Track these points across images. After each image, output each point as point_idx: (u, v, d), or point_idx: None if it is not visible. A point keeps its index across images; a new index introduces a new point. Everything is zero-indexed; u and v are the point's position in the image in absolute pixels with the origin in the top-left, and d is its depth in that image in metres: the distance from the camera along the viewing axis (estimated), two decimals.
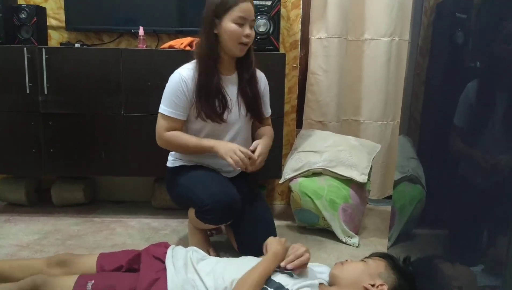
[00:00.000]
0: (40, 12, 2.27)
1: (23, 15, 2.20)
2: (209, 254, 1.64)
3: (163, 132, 1.66)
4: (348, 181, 2.03)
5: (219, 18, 1.59)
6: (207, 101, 1.63)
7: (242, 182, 1.80)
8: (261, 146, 1.66)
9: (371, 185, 2.50)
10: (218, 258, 1.40)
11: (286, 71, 2.32)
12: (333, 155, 2.07)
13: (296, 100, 2.53)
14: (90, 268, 1.36)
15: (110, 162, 2.19)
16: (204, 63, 1.63)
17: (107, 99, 2.13)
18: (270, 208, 1.87)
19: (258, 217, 1.74)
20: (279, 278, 1.20)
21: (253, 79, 1.75)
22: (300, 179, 2.08)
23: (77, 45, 2.31)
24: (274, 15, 2.17)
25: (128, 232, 2.07)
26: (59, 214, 2.28)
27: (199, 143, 1.65)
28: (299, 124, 2.56)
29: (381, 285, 1.20)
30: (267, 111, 1.87)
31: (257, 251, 1.40)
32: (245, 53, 1.66)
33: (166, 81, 2.08)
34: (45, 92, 2.11)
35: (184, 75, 1.64)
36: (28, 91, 2.10)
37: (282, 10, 2.41)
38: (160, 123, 1.67)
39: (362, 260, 1.31)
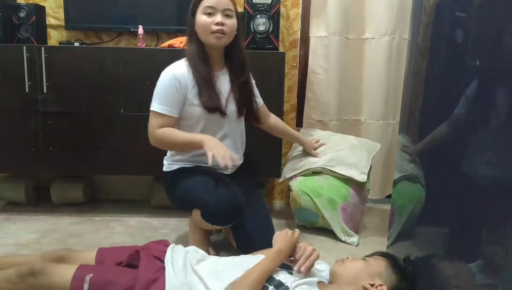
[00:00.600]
0: (39, 11, 2.27)
1: (22, 14, 2.19)
2: (209, 253, 1.64)
3: (155, 130, 1.64)
4: (348, 180, 2.03)
5: (194, 16, 1.66)
6: (205, 92, 1.65)
7: (239, 178, 1.80)
8: None
9: (372, 185, 2.50)
10: (218, 257, 1.40)
11: (286, 70, 2.32)
12: (332, 154, 2.07)
13: (296, 99, 2.53)
14: (88, 263, 1.36)
15: (110, 161, 2.19)
16: (194, 61, 1.66)
17: (107, 98, 2.13)
18: (266, 203, 1.87)
19: (256, 214, 1.74)
20: (278, 275, 1.20)
21: (248, 83, 1.78)
22: (300, 178, 2.08)
23: (76, 44, 2.30)
24: (273, 14, 2.17)
25: (127, 231, 2.07)
26: (58, 213, 2.28)
27: (188, 137, 1.64)
28: (299, 123, 2.55)
29: (381, 285, 1.19)
30: (258, 100, 1.90)
31: (256, 248, 1.41)
32: (225, 43, 1.67)
33: None
34: (44, 91, 2.10)
35: (176, 72, 1.65)
36: (27, 90, 2.10)
37: (282, 9, 2.40)
38: (153, 121, 1.65)
39: (363, 259, 1.30)
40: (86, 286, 1.19)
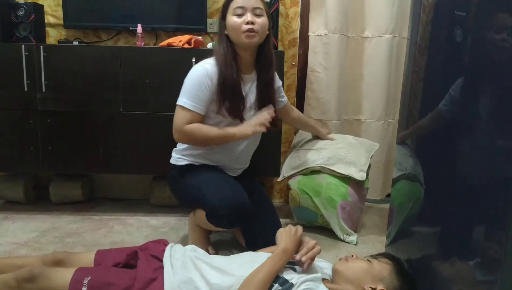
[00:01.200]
0: (38, 9, 2.26)
1: (21, 13, 2.19)
2: (208, 252, 1.64)
3: (183, 125, 1.61)
4: (347, 179, 2.03)
5: (225, 19, 1.66)
6: (229, 97, 1.64)
7: (246, 179, 1.81)
8: None
9: (373, 184, 2.51)
10: (218, 255, 1.40)
11: (285, 69, 2.32)
12: (331, 153, 2.07)
13: (295, 98, 2.53)
14: (87, 265, 1.36)
15: (108, 160, 2.18)
16: (222, 62, 1.64)
17: (105, 96, 2.13)
18: (273, 204, 1.88)
19: (265, 213, 1.76)
20: (283, 272, 1.19)
21: (272, 84, 1.78)
22: (299, 177, 2.08)
23: (75, 42, 2.30)
24: (272, 13, 2.17)
25: (126, 230, 2.07)
26: (57, 212, 2.28)
27: (221, 132, 1.64)
28: None
29: None
30: (283, 100, 1.96)
31: (265, 246, 1.42)
32: (257, 42, 1.66)
33: (164, 78, 2.09)
34: (43, 90, 2.10)
35: (209, 69, 1.62)
36: (26, 89, 2.10)
37: (281, 8, 2.40)
38: (180, 116, 1.62)
39: (368, 259, 1.28)
40: (84, 289, 1.18)
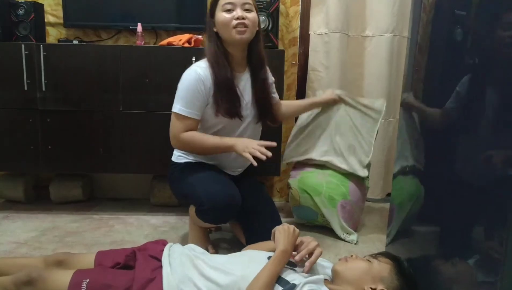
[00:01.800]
0: (38, 8, 2.26)
1: (20, 12, 2.19)
2: (208, 251, 1.64)
3: (180, 133, 1.61)
4: (347, 177, 2.03)
5: (213, 16, 1.64)
6: (226, 98, 1.63)
7: (246, 178, 1.81)
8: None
9: (373, 184, 2.50)
10: (217, 254, 1.40)
11: (285, 68, 2.32)
12: (329, 145, 2.07)
13: (295, 97, 2.53)
14: (88, 267, 1.36)
15: (109, 159, 2.18)
16: (214, 63, 1.63)
17: (105, 96, 2.13)
18: (274, 202, 1.88)
19: (265, 212, 1.76)
20: (285, 274, 1.19)
21: (266, 82, 1.77)
22: (299, 176, 2.08)
23: (75, 41, 2.30)
24: (273, 12, 2.17)
25: (126, 229, 2.07)
26: (57, 211, 2.28)
27: (218, 142, 1.63)
28: None
29: None
30: (275, 96, 1.91)
31: None
32: (248, 38, 1.64)
33: (165, 78, 2.09)
34: (43, 89, 2.10)
35: (202, 74, 1.60)
36: (26, 88, 2.10)
37: (281, 7, 2.40)
38: (176, 124, 1.62)
39: (367, 259, 1.27)
40: None
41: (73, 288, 1.19)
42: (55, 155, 2.17)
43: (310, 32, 2.44)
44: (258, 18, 1.67)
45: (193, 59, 2.01)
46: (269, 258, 1.27)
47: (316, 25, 2.42)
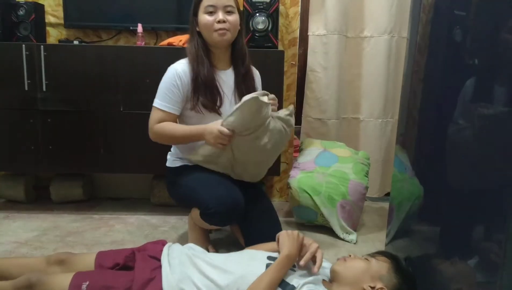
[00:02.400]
0: (38, 9, 2.27)
1: (21, 12, 2.19)
2: (208, 251, 1.64)
3: (154, 124, 1.66)
4: (347, 177, 2.04)
5: (196, 15, 1.67)
6: (203, 92, 1.65)
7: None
8: None
9: (371, 182, 2.51)
10: (217, 253, 1.40)
11: (285, 68, 2.33)
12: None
13: (295, 98, 2.53)
14: (88, 267, 1.36)
15: (109, 159, 2.19)
16: (194, 60, 1.67)
17: (106, 96, 2.13)
18: (271, 202, 1.88)
19: (264, 213, 1.76)
20: (285, 276, 1.19)
21: (249, 75, 1.77)
22: (299, 176, 2.09)
23: (75, 42, 2.30)
24: (272, 12, 2.17)
25: (127, 229, 2.07)
26: (58, 211, 2.28)
27: (187, 132, 1.65)
28: (298, 122, 2.56)
29: (381, 288, 1.17)
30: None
31: None
32: (229, 40, 1.67)
33: None
34: (44, 89, 2.10)
35: (178, 69, 1.65)
36: (26, 88, 2.10)
37: (281, 8, 2.41)
38: (152, 117, 1.67)
39: (365, 258, 1.27)
40: None
41: None
42: (56, 155, 2.18)
43: (308, 33, 2.46)
44: (240, 17, 1.70)
45: None
46: (269, 257, 1.27)
47: (315, 26, 2.44)
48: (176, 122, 1.71)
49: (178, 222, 2.16)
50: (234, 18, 1.66)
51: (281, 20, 2.42)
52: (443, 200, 1.22)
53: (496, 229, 0.94)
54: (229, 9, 1.65)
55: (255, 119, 1.56)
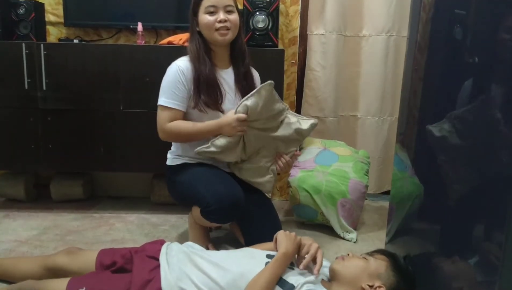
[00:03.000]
0: (38, 7, 2.27)
1: (21, 11, 2.19)
2: (208, 249, 1.64)
3: (165, 124, 1.65)
4: (347, 176, 2.04)
5: (196, 15, 1.68)
6: (205, 90, 1.65)
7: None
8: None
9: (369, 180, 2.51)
10: (216, 251, 1.40)
11: (285, 67, 2.33)
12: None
13: (295, 96, 2.54)
14: (89, 265, 1.36)
15: (109, 158, 2.19)
16: (195, 59, 1.67)
17: (106, 95, 2.13)
18: (271, 200, 1.88)
19: (263, 210, 1.76)
20: (285, 275, 1.19)
21: (249, 73, 1.78)
22: (299, 175, 2.09)
23: (75, 41, 2.31)
24: (273, 11, 2.17)
25: (127, 228, 2.08)
26: (58, 210, 2.29)
27: (203, 128, 1.65)
28: None
29: (379, 287, 1.18)
30: None
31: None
32: (230, 39, 1.68)
33: None
34: (44, 88, 2.10)
35: (181, 66, 1.66)
36: (26, 87, 2.10)
37: (281, 6, 2.41)
38: (161, 116, 1.66)
39: (364, 257, 1.28)
40: None
41: None
42: (56, 154, 2.18)
43: (308, 32, 2.47)
44: (239, 17, 1.71)
45: None
46: (268, 256, 1.28)
47: (314, 25, 2.45)
48: (185, 120, 1.70)
49: (178, 221, 2.17)
50: (234, 17, 1.67)
51: (281, 19, 2.42)
52: (443, 199, 1.22)
53: (496, 228, 0.94)
54: (229, 8, 1.66)
55: (268, 106, 1.61)
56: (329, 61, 2.44)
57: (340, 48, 2.46)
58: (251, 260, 1.26)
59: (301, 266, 1.22)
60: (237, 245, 1.82)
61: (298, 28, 2.49)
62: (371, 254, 1.30)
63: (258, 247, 1.41)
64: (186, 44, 2.10)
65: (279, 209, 2.44)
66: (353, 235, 2.01)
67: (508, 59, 0.91)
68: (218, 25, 1.63)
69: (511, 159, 0.89)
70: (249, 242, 1.71)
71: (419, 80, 1.47)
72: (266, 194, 1.88)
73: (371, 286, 1.18)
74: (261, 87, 1.57)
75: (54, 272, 1.36)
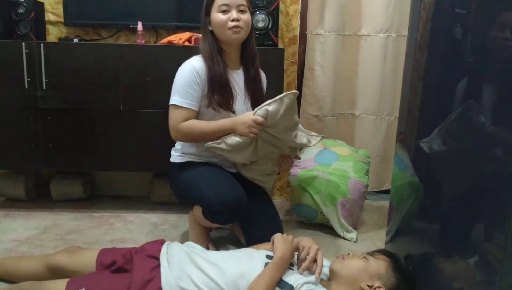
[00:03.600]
0: (38, 7, 2.27)
1: (21, 10, 2.19)
2: (208, 249, 1.65)
3: (179, 123, 1.64)
4: (347, 176, 2.04)
5: (209, 15, 1.68)
6: (217, 90, 1.65)
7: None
8: None
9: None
10: (217, 251, 1.40)
11: (285, 66, 2.32)
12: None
13: None
14: (89, 264, 1.36)
15: (109, 157, 2.19)
16: (209, 58, 1.67)
17: (106, 94, 2.13)
18: (272, 200, 1.88)
19: (264, 210, 1.77)
20: (284, 275, 1.19)
21: (258, 78, 1.79)
22: (299, 174, 2.09)
23: (75, 40, 2.30)
24: (273, 10, 2.17)
25: (127, 227, 2.08)
26: (58, 209, 2.29)
27: (217, 127, 1.64)
28: None
29: (379, 287, 1.17)
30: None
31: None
32: (243, 38, 1.69)
33: (165, 76, 2.09)
34: (44, 88, 2.10)
35: (196, 66, 1.65)
36: (26, 87, 2.10)
37: (281, 6, 2.41)
38: (175, 115, 1.65)
39: (364, 257, 1.27)
40: None
41: None
42: (56, 153, 2.17)
43: (307, 32, 2.47)
44: (251, 18, 1.72)
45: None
46: (267, 256, 1.28)
47: (313, 25, 2.46)
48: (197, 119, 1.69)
49: (179, 221, 2.17)
50: (247, 17, 1.67)
51: (281, 18, 2.42)
52: (443, 198, 1.22)
53: (496, 228, 0.94)
54: (242, 8, 1.66)
55: (287, 115, 1.62)
56: (327, 60, 2.45)
57: (338, 47, 2.47)
58: (251, 260, 1.26)
59: (300, 270, 1.22)
60: (237, 245, 1.82)
61: (298, 28, 2.49)
62: (371, 254, 1.30)
63: (259, 247, 1.41)
64: (186, 43, 2.11)
65: (279, 208, 2.44)
66: (353, 235, 2.00)
67: (509, 58, 0.91)
68: (231, 23, 1.63)
69: (511, 159, 0.89)
70: (249, 242, 1.71)
71: (419, 79, 1.46)
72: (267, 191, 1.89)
73: (370, 287, 1.18)
74: (285, 95, 1.57)
75: (55, 272, 1.37)
